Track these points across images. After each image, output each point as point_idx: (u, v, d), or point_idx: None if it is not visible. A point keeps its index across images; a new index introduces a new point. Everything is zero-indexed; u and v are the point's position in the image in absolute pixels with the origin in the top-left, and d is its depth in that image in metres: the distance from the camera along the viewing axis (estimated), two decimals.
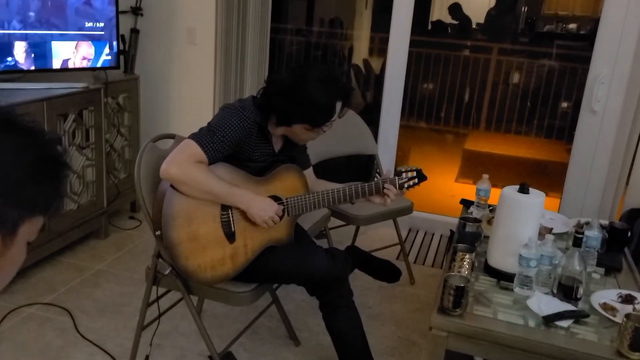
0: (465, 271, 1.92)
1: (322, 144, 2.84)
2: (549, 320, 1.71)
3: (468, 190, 4.62)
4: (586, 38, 5.19)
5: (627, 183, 3.09)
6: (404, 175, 2.01)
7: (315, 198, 1.84)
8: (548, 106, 4.98)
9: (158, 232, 1.68)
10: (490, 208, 2.59)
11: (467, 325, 1.67)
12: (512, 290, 1.90)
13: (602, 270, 2.11)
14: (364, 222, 2.59)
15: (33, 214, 0.73)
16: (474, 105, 5.17)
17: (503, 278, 1.96)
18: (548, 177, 4.71)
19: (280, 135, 1.89)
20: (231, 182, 1.74)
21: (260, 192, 1.80)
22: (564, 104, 4.91)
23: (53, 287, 2.62)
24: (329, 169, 3.05)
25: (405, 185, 2.02)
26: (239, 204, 1.74)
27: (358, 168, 3.59)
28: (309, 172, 2.06)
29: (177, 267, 1.69)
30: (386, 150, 3.49)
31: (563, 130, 4.82)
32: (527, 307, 1.79)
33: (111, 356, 2.17)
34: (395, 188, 1.98)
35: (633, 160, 3.03)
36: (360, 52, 5.48)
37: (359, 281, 2.64)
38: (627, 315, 1.57)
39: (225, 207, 1.75)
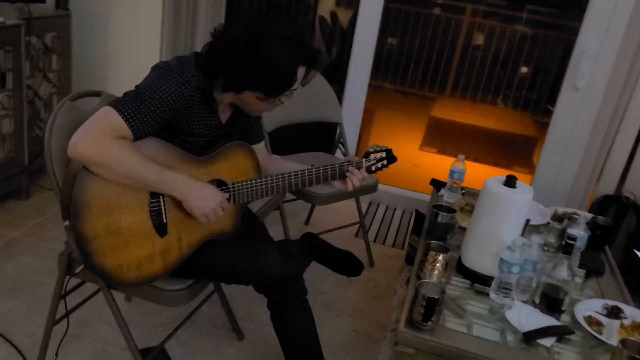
0: (437, 273, 1.67)
1: (278, 109, 2.50)
2: (530, 337, 1.49)
3: (432, 160, 4.40)
4: (556, 5, 4.95)
5: (602, 168, 2.91)
6: (372, 157, 1.71)
7: (267, 184, 1.52)
8: (517, 75, 4.75)
9: (66, 223, 1.33)
10: (463, 191, 2.35)
11: (439, 344, 1.43)
12: (487, 295, 1.67)
13: (582, 272, 1.91)
14: (323, 202, 2.30)
15: None
16: (442, 69, 4.89)
17: (478, 280, 1.73)
18: (515, 151, 4.53)
19: (229, 103, 1.54)
20: (164, 163, 1.39)
21: (200, 175, 1.47)
22: (534, 74, 4.69)
23: None
24: (282, 137, 2.72)
25: (373, 167, 1.73)
26: (173, 192, 1.40)
27: (316, 136, 3.27)
28: (260, 148, 1.73)
29: (92, 266, 1.35)
30: (351, 116, 3.18)
31: (531, 102, 4.61)
32: (504, 318, 1.57)
33: (17, 349, 1.84)
34: (362, 172, 1.69)
35: (612, 143, 2.84)
36: (327, 1, 5.06)
37: (312, 263, 2.37)
38: (623, 342, 1.36)
39: (155, 193, 1.41)
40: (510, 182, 1.67)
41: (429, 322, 1.45)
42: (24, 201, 2.73)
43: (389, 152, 1.75)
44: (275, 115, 2.48)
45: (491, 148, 4.50)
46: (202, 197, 1.41)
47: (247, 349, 2.02)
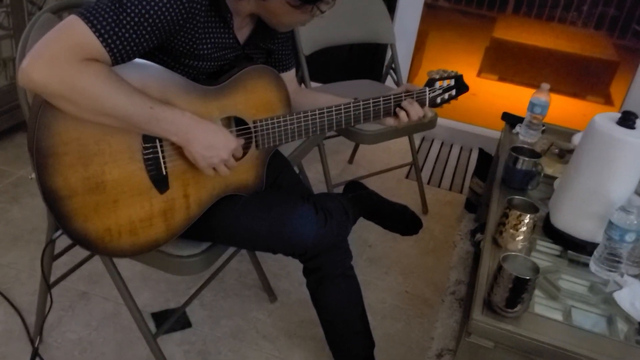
0: (522, 239, 1.29)
1: (317, 27, 2.08)
2: None
3: (492, 88, 3.90)
4: None
5: None
6: (437, 85, 1.31)
7: (300, 123, 1.15)
8: None
9: (32, 176, 1.00)
10: (544, 128, 1.92)
11: (528, 338, 1.08)
12: (586, 266, 1.30)
13: None
14: (370, 141, 1.91)
15: None
16: None
17: (573, 247, 1.35)
18: (590, 78, 3.95)
19: (249, 14, 1.14)
20: (159, 97, 1.03)
21: (210, 111, 1.10)
22: None
23: None
24: (322, 61, 2.31)
25: (439, 100, 1.34)
26: (168, 134, 1.03)
27: (363, 60, 2.82)
28: (290, 77, 1.33)
29: (71, 232, 1.03)
30: (404, 37, 2.72)
31: (609, 20, 3.98)
32: (611, 299, 1.20)
33: (16, 309, 1.59)
34: (425, 105, 1.30)
35: None
36: None
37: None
38: None
39: (150, 136, 1.06)
40: (627, 120, 1.25)
41: (516, 309, 1.10)
42: None
43: (459, 78, 1.35)
44: (313, 34, 2.07)
45: (562, 74, 3.94)
46: (209, 142, 1.04)
47: (280, 314, 1.72)
